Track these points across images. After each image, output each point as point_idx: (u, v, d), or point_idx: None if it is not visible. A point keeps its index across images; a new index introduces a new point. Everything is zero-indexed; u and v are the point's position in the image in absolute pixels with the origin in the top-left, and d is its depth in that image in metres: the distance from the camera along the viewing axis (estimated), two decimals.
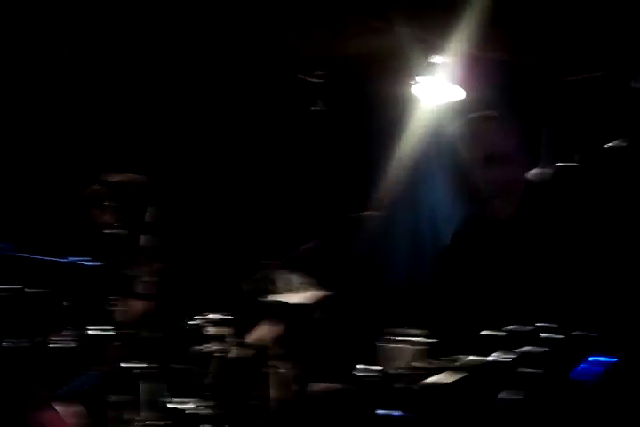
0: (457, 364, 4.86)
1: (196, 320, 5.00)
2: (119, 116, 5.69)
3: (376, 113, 5.72)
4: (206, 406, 4.80)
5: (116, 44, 5.39)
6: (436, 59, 5.44)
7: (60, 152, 5.63)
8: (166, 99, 5.65)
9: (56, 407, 4.76)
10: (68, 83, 5.57)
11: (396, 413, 4.68)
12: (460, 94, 5.86)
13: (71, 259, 5.06)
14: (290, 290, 5.13)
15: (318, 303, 5.14)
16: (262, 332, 5.03)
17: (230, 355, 4.96)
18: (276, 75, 5.70)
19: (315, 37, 5.49)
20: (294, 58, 5.58)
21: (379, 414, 4.64)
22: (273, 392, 4.87)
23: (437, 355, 4.95)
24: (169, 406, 4.80)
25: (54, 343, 4.85)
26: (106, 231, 5.07)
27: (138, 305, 5.01)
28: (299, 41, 5.52)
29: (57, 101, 5.56)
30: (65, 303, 4.97)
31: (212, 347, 4.95)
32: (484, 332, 4.86)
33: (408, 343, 5.01)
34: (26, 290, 5.00)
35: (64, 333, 4.88)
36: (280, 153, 5.81)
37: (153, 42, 5.47)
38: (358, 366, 4.80)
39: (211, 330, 4.98)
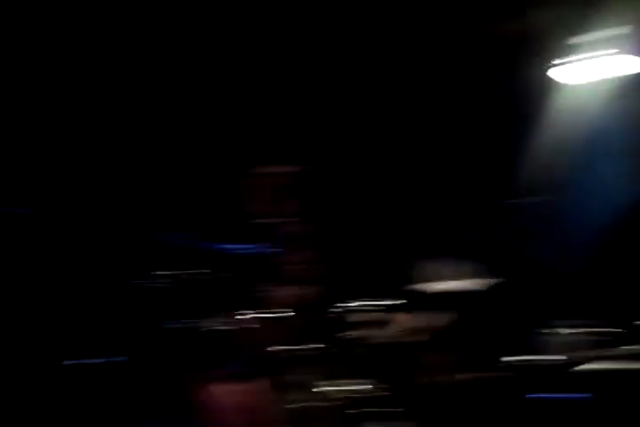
0: (614, 353, 4.74)
1: (349, 306, 5.02)
2: (277, 109, 5.77)
3: (535, 96, 5.52)
4: (358, 391, 4.85)
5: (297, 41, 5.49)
6: (605, 32, 5.19)
7: (218, 145, 5.77)
8: (324, 94, 5.71)
9: (219, 386, 4.84)
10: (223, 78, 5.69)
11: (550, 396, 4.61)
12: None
13: (229, 246, 5.20)
14: (449, 277, 5.08)
15: (478, 291, 5.07)
16: (419, 319, 5.00)
17: (384, 341, 4.97)
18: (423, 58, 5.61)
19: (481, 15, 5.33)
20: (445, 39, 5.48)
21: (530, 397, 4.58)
22: (425, 378, 4.85)
23: (596, 345, 4.83)
24: (322, 389, 4.85)
25: (217, 326, 4.97)
26: (262, 220, 5.13)
27: (293, 291, 5.02)
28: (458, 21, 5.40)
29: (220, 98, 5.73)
30: (226, 289, 5.08)
31: (366, 332, 4.96)
32: None
33: (567, 334, 4.90)
34: (190, 276, 5.19)
35: (226, 316, 4.99)
36: (431, 141, 5.73)
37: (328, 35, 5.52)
38: (512, 356, 4.75)
39: (363, 316, 5.00)
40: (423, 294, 5.06)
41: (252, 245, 5.16)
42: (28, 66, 5.41)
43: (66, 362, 5.12)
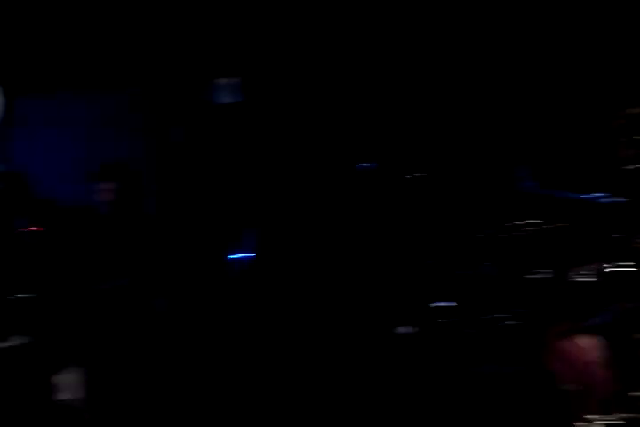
0: None
1: None
2: None
3: None
4: None
5: None
6: None
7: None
8: None
9: (580, 338, 4.80)
10: None
11: None
12: None
13: (593, 195, 5.11)
14: None
15: None
16: None
17: None
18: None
19: None
20: None
21: None
22: None
23: None
24: None
25: (578, 277, 4.86)
26: (628, 166, 4.85)
27: None
28: None
29: None
30: (586, 239, 5.00)
31: None
32: None
33: None
34: (548, 226, 5.23)
35: (587, 267, 4.88)
36: None
37: None
38: None
39: None
40: None
41: (615, 194, 5.03)
42: None
43: (431, 304, 5.35)
